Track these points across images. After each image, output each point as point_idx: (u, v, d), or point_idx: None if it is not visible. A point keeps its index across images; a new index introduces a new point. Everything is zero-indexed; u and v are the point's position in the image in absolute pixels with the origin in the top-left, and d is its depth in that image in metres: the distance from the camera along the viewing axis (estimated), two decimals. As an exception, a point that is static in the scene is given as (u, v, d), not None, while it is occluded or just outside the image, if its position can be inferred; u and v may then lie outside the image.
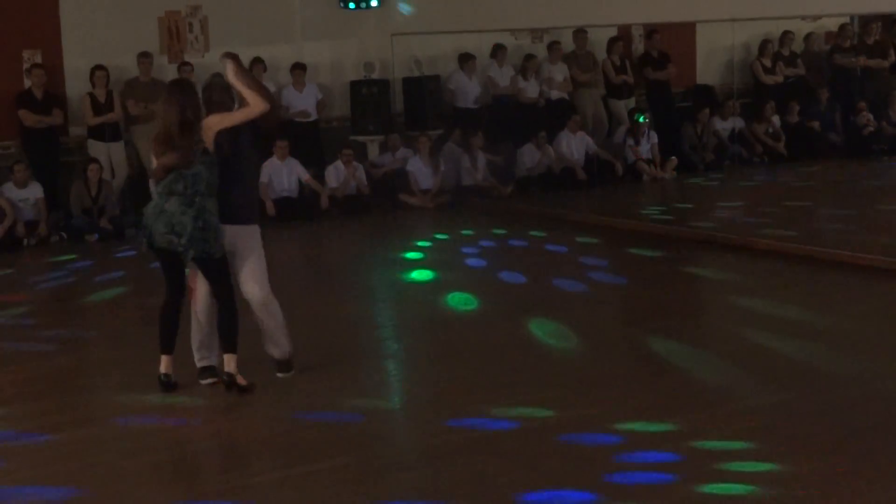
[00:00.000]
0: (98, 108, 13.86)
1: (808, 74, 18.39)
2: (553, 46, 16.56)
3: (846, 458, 5.69)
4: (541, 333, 8.37)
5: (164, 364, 7.17)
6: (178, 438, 6.49)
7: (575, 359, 7.74)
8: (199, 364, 7.36)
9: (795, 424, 6.18)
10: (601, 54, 16.98)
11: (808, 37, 18.83)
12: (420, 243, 12.30)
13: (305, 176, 14.28)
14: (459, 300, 9.56)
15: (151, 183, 7.72)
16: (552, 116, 16.19)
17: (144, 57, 14.11)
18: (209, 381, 7.29)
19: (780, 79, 18.16)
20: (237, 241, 7.12)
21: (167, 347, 7.19)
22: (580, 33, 16.76)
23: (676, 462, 5.72)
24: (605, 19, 16.89)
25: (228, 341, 7.08)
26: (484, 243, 12.28)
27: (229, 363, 7.07)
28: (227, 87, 7.18)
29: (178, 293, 7.23)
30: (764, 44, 18.20)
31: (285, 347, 7.34)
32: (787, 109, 17.78)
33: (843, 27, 18.81)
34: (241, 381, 7.06)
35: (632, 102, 17.01)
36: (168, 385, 7.14)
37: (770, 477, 5.47)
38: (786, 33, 18.42)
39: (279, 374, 7.36)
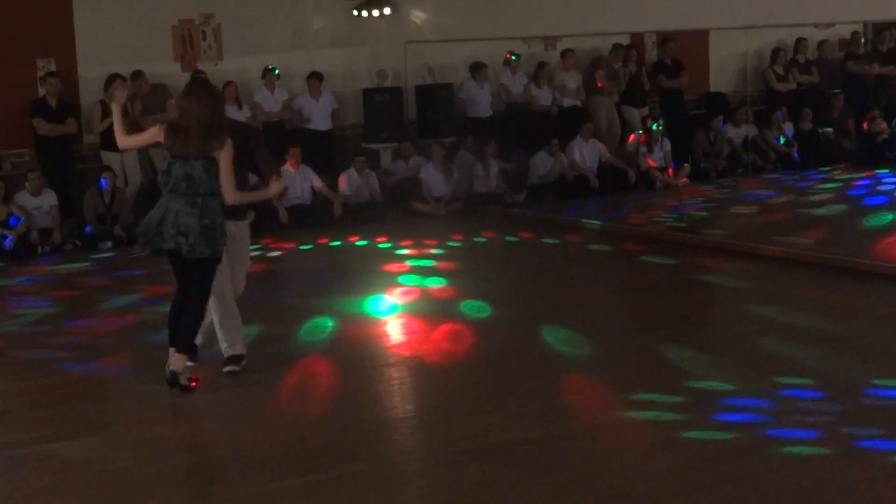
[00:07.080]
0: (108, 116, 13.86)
1: (822, 82, 18.38)
2: (566, 54, 16.57)
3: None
4: (554, 341, 8.36)
5: (173, 360, 7.19)
6: (192, 445, 6.50)
7: (588, 366, 7.73)
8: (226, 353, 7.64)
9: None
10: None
11: (821, 44, 18.82)
12: (433, 250, 12.30)
13: (319, 183, 14.31)
14: (472, 307, 9.55)
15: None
16: (565, 124, 16.20)
17: (135, 79, 13.97)
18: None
19: (793, 86, 18.14)
20: (237, 235, 7.54)
21: (174, 343, 7.23)
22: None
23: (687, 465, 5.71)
24: (619, 27, 16.89)
25: (188, 342, 7.18)
26: (495, 250, 12.27)
27: (179, 362, 7.15)
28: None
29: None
30: (776, 51, 18.19)
31: (241, 344, 7.66)
32: (800, 117, 17.75)
33: (855, 35, 18.79)
34: (184, 380, 7.18)
35: (645, 110, 17.01)
36: (174, 382, 7.16)
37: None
38: (800, 40, 18.41)
39: (228, 369, 7.58)
